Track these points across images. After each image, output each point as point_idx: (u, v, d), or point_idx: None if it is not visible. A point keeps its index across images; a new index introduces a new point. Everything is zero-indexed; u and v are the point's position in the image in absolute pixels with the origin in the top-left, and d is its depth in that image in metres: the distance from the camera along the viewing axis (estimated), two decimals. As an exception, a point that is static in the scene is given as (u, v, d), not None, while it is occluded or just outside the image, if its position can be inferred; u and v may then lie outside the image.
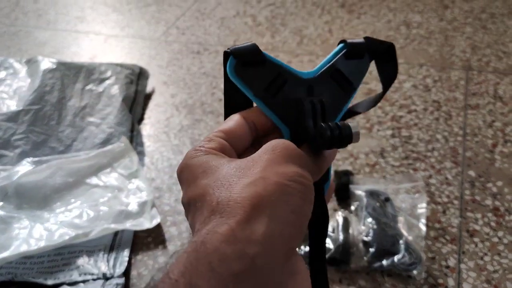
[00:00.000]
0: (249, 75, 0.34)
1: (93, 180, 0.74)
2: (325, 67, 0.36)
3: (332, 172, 0.45)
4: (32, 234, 0.67)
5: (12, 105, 0.81)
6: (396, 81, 0.93)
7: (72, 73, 0.88)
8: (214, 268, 0.24)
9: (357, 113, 0.42)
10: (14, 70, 0.89)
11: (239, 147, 0.33)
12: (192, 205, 0.28)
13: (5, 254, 0.64)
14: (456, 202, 0.67)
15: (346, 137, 0.31)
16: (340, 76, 0.36)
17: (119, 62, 0.97)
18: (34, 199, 0.71)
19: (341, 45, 0.36)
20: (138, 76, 0.93)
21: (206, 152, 0.31)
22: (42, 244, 0.65)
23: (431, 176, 0.72)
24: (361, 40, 0.37)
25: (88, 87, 0.87)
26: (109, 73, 0.90)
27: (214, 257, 0.24)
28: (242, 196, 0.26)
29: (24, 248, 0.65)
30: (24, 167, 0.72)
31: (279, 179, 0.27)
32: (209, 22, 1.22)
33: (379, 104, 0.87)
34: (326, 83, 0.35)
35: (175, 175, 0.74)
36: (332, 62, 0.36)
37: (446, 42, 1.05)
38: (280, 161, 0.28)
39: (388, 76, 0.41)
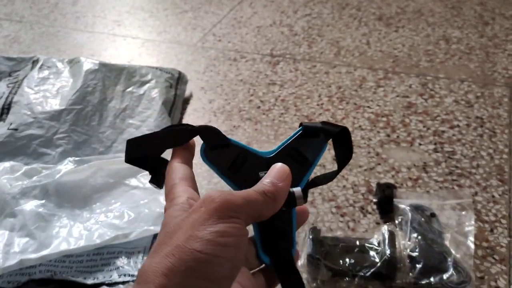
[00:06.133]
0: (216, 156, 0.39)
1: (133, 182, 0.74)
2: (282, 147, 0.41)
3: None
4: (72, 233, 0.67)
5: (55, 104, 0.81)
6: (436, 95, 0.92)
7: (113, 74, 0.89)
8: None
9: (317, 184, 0.47)
10: (56, 70, 0.90)
11: None
12: None
13: (45, 252, 0.64)
14: (504, 221, 0.65)
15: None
16: (297, 154, 0.41)
17: (157, 66, 0.97)
18: (75, 198, 0.71)
19: (300, 127, 0.41)
20: (177, 80, 0.93)
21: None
22: (81, 243, 0.65)
23: (477, 194, 0.70)
24: (317, 123, 0.42)
25: (128, 89, 0.88)
26: (149, 76, 0.90)
27: None
28: (157, 268, 0.28)
29: (64, 246, 0.65)
30: (67, 166, 0.73)
31: (196, 245, 0.29)
32: (246, 30, 1.22)
33: (419, 118, 0.86)
34: (283, 160, 0.38)
35: (213, 180, 0.74)
36: (288, 142, 0.41)
37: (487, 58, 1.03)
38: (205, 219, 0.30)
39: (342, 156, 0.45)
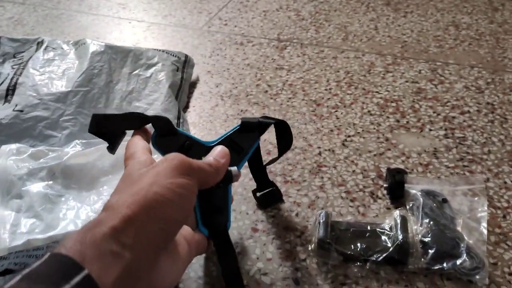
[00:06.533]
0: (165, 143, 0.47)
1: (140, 165, 0.73)
2: (222, 138, 0.49)
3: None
4: (79, 215, 0.66)
5: (61, 86, 0.80)
6: (446, 81, 0.91)
7: (119, 57, 0.87)
8: (98, 247, 0.31)
9: (267, 164, 0.61)
10: (62, 51, 0.88)
11: None
12: None
13: (52, 232, 0.63)
14: (516, 207, 0.65)
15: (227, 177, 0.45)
16: (234, 144, 0.49)
17: (164, 49, 0.96)
18: (82, 180, 0.70)
19: (240, 123, 0.50)
20: (184, 64, 0.92)
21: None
22: (89, 226, 0.64)
23: (489, 180, 0.69)
24: (255, 119, 0.51)
25: (135, 72, 0.86)
26: (156, 59, 0.89)
27: (97, 245, 0.31)
28: (124, 202, 0.34)
29: (71, 228, 0.64)
30: (74, 148, 0.72)
31: (158, 189, 0.35)
32: (252, 15, 1.21)
33: (429, 103, 0.85)
34: None
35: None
36: (227, 135, 0.50)
37: (497, 44, 1.02)
38: (167, 172, 0.37)
39: (282, 145, 0.56)
